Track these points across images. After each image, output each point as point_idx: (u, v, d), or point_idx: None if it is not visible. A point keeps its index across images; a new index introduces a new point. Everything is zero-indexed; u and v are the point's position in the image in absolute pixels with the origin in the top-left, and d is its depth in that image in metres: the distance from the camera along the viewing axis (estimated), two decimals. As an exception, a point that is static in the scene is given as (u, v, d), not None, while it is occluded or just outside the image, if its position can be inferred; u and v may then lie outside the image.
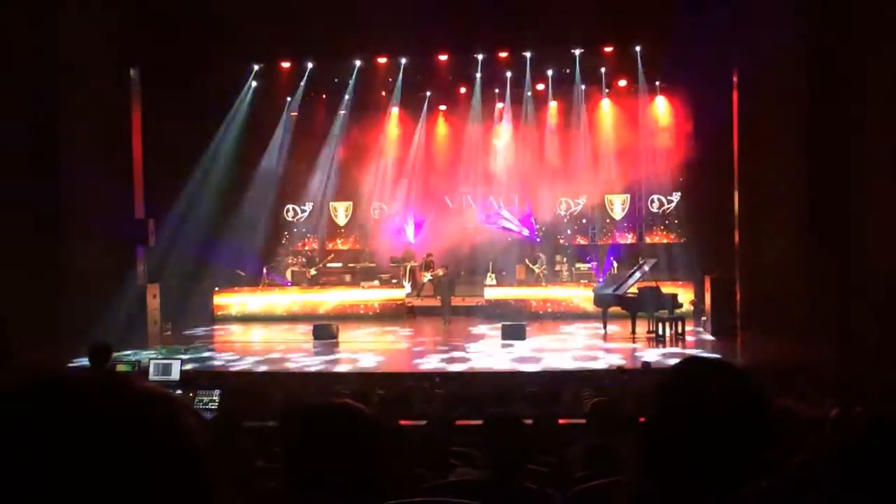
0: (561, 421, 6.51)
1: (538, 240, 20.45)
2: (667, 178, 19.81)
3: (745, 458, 1.39)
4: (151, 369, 8.73)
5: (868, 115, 13.27)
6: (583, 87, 19.98)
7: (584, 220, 21.28)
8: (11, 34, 13.87)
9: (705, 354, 12.54)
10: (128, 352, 13.34)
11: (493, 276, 19.29)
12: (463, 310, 18.03)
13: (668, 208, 20.77)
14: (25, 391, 0.81)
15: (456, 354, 13.19)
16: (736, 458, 1.38)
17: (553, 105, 20.71)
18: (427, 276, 18.72)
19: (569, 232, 21.21)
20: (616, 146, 20.04)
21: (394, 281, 19.51)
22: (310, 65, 19.20)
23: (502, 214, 20.68)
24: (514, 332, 14.55)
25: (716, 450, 1.37)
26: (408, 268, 19.98)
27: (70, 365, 11.80)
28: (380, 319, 17.70)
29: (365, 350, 13.96)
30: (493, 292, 18.23)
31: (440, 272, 17.59)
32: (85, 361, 9.53)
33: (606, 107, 20.41)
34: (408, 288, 19.27)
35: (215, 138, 18.87)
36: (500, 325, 15.06)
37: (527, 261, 19.63)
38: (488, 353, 13.52)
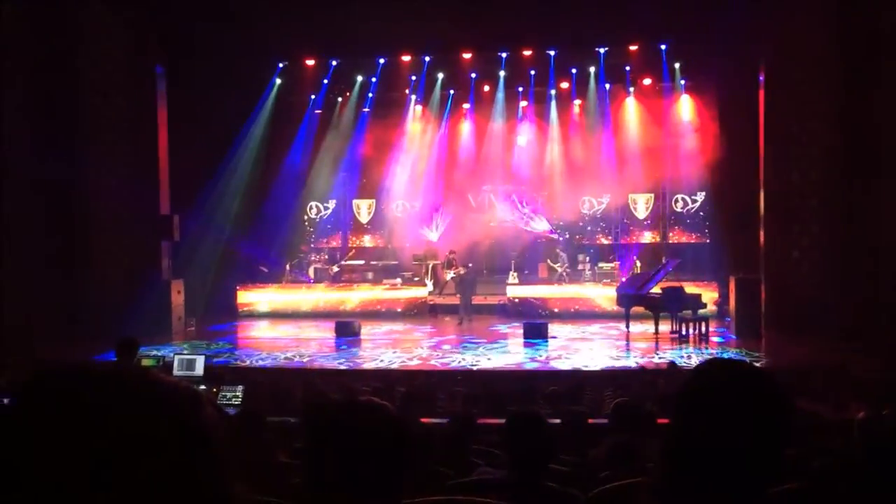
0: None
1: (559, 238, 20.39)
2: (691, 177, 19.67)
3: (769, 460, 1.38)
4: (176, 364, 8.81)
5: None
6: (607, 85, 19.90)
7: (607, 220, 21.20)
8: (36, 33, 14.03)
9: (727, 355, 12.48)
10: (152, 347, 13.46)
11: (515, 274, 19.26)
12: (485, 308, 18.02)
13: (692, 208, 20.63)
14: (46, 383, 0.82)
15: (476, 352, 13.19)
16: (759, 459, 1.38)
17: (577, 103, 20.65)
18: (450, 274, 18.72)
19: (591, 230, 21.13)
20: (640, 145, 19.92)
21: (416, 279, 19.53)
22: (334, 62, 19.29)
23: (528, 214, 20.62)
24: (536, 331, 14.54)
25: (739, 451, 1.37)
26: (430, 266, 20.00)
27: (96, 359, 11.92)
28: (402, 317, 17.74)
29: (387, 347, 14.00)
30: (516, 291, 18.20)
31: (461, 270, 17.54)
32: (110, 356, 9.64)
33: (631, 105, 20.30)
34: (430, 286, 19.29)
35: (240, 135, 19.02)
36: (521, 324, 15.05)
37: (548, 260, 19.58)
38: (510, 351, 13.50)
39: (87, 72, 14.98)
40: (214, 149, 18.07)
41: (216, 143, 18.09)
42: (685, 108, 19.78)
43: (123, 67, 15.57)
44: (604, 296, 17.42)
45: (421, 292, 18.57)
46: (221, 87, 17.22)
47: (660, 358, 12.61)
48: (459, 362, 12.40)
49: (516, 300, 17.91)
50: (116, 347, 7.48)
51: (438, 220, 21.30)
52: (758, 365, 1.57)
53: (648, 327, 14.76)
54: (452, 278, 18.22)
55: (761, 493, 1.40)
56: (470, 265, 18.03)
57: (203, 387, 7.94)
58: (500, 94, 20.47)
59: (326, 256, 20.56)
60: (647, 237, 20.99)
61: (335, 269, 19.92)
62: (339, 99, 20.99)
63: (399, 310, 18.14)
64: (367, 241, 22.17)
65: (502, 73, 19.82)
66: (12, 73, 13.50)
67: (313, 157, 20.85)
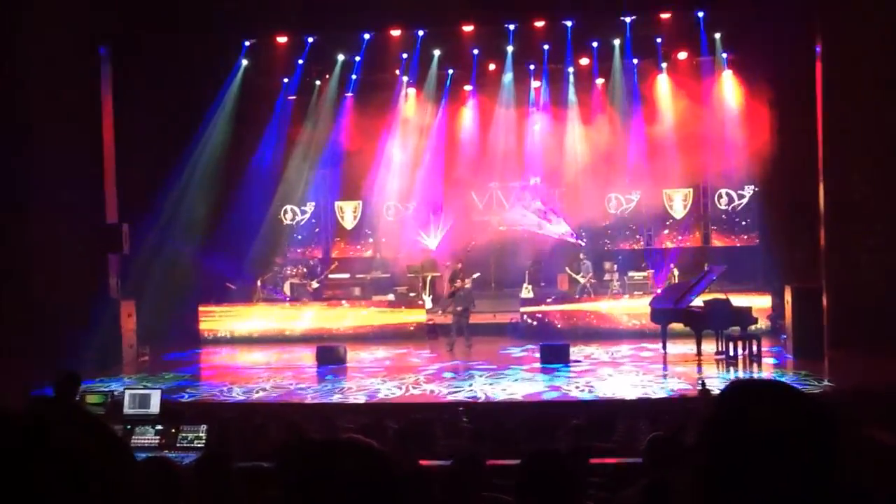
0: (614, 459, 6.47)
1: (583, 243, 20.37)
2: (738, 169, 19.66)
3: (815, 494, 1.38)
4: (127, 401, 8.78)
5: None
6: (635, 61, 19.93)
7: (637, 220, 21.19)
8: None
9: (759, 376, 12.46)
10: (99, 380, 13.45)
11: (530, 287, 19.22)
12: (493, 328, 17.99)
13: (739, 205, 20.63)
14: None
15: (485, 380, 13.17)
16: (803, 493, 1.37)
17: (599, 83, 20.65)
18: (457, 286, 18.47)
19: (619, 233, 21.12)
20: (676, 132, 19.91)
21: (411, 294, 19.51)
22: (310, 39, 19.31)
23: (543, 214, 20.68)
24: (555, 354, 14.51)
25: (777, 485, 1.36)
26: (428, 279, 19.96)
27: (34, 394, 11.90)
28: (395, 340, 17.71)
29: (378, 376, 13.99)
30: (530, 307, 18.16)
31: (466, 283, 17.07)
32: (48, 392, 9.63)
33: (664, 85, 20.32)
34: (428, 303, 19.26)
35: (200, 128, 19.00)
36: (538, 346, 15.03)
37: (567, 269, 19.54)
38: (525, 378, 13.48)
39: (26, 53, 14.99)
40: (171, 145, 18.08)
41: (173, 137, 18.10)
42: (729, 86, 19.79)
43: (66, 47, 15.53)
44: (635, 311, 17.40)
45: (418, 310, 18.53)
46: (178, 72, 17.23)
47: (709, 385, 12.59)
48: (464, 392, 12.39)
49: (531, 318, 17.88)
50: (54, 383, 7.47)
51: (437, 225, 21.30)
52: (791, 386, 1.55)
53: (689, 347, 14.73)
54: (451, 293, 17.72)
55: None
56: (476, 276, 17.91)
57: (159, 427, 7.93)
58: (509, 74, 20.51)
59: (305, 270, 20.57)
60: (687, 240, 20.98)
61: (315, 284, 19.90)
62: (318, 82, 21.02)
63: (392, 332, 18.11)
64: (353, 251, 22.16)
65: (510, 49, 19.86)
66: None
67: (287, 152, 20.86)
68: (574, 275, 19.30)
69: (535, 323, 17.74)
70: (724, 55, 19.55)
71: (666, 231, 21.13)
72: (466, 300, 16.47)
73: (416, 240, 21.15)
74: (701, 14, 18.30)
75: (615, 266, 19.77)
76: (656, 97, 20.35)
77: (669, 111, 20.16)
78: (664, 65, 20.10)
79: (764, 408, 1.43)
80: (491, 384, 12.96)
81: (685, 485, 1.49)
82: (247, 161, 20.04)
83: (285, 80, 20.50)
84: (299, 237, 22.13)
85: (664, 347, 15.14)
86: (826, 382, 12.52)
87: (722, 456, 1.42)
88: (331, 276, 20.55)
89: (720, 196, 20.73)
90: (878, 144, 14.55)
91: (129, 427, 7.88)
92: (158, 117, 17.21)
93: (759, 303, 16.39)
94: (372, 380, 13.67)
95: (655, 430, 7.26)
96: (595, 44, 19.61)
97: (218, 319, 18.61)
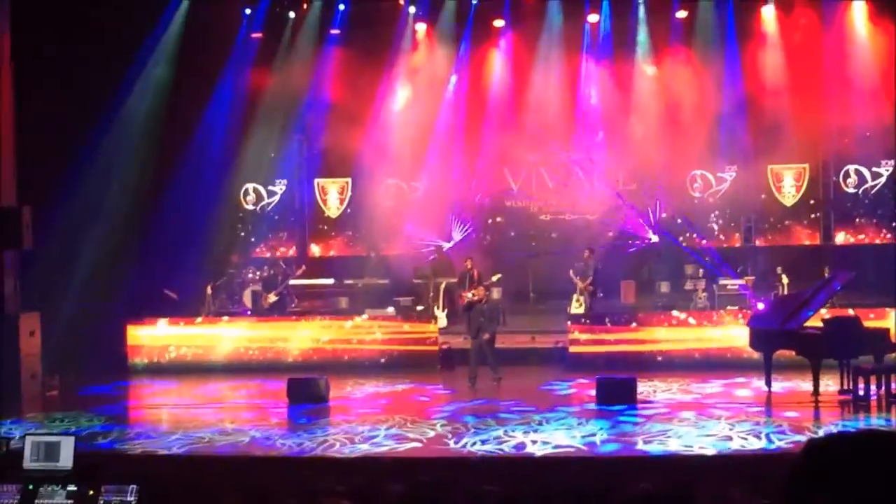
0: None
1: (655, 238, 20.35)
2: (873, 137, 19.58)
3: None
4: (28, 451, 8.84)
5: None
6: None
7: (733, 208, 21.15)
8: None
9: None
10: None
11: (582, 299, 19.18)
12: (533, 355, 17.95)
13: (874, 187, 20.56)
14: None
15: (519, 427, 13.18)
16: None
17: (681, 16, 20.59)
18: (468, 297, 18.46)
19: (706, 226, 21.08)
20: (787, 84, 19.88)
21: (419, 308, 19.51)
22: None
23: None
24: (616, 392, 14.51)
25: None
26: (441, 287, 19.92)
27: None
28: (397, 370, 17.70)
29: (373, 420, 14.02)
30: (583, 326, 18.10)
31: (481, 291, 16.71)
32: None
33: (771, 17, 20.25)
34: (442, 319, 19.24)
35: (129, 81, 18.97)
36: (593, 381, 15.02)
37: (571, 272, 19.15)
38: (574, 424, 13.49)
39: None
40: (89, 105, 18.04)
41: (92, 95, 18.04)
42: (863, 19, 19.69)
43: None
44: (727, 333, 17.36)
45: (427, 329, 18.51)
46: (100, 12, 17.24)
47: (814, 434, 12.57)
48: (490, 443, 12.40)
49: (583, 342, 17.86)
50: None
51: (456, 213, 21.29)
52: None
53: (804, 383, 14.72)
54: (467, 307, 17.42)
55: None
56: (497, 277, 17.84)
57: (72, 488, 8.00)
58: (555, 6, 20.48)
59: (273, 272, 20.58)
60: (801, 236, 20.93)
61: (272, 298, 19.75)
62: (291, 14, 21.04)
63: (391, 359, 18.11)
64: (337, 247, 22.19)
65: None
66: None
67: (250, 112, 20.85)
68: (578, 281, 19.01)
69: (588, 348, 17.75)
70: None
71: (770, 223, 21.07)
72: (491, 318, 16.38)
73: (425, 233, 21.10)
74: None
75: (700, 272, 19.69)
76: (760, 35, 20.29)
77: (778, 55, 20.10)
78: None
79: (864, 463, 1.45)
80: (527, 433, 12.97)
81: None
82: (194, 124, 20.00)
83: (247, 10, 20.53)
84: (266, 228, 22.17)
85: (768, 384, 15.10)
86: None
87: None
88: (297, 282, 20.35)
89: (847, 175, 20.69)
90: None
91: (30, 487, 7.93)
92: (73, 65, 17.24)
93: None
94: (364, 426, 13.70)
95: (754, 499, 7.27)
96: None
97: (153, 340, 18.63)
